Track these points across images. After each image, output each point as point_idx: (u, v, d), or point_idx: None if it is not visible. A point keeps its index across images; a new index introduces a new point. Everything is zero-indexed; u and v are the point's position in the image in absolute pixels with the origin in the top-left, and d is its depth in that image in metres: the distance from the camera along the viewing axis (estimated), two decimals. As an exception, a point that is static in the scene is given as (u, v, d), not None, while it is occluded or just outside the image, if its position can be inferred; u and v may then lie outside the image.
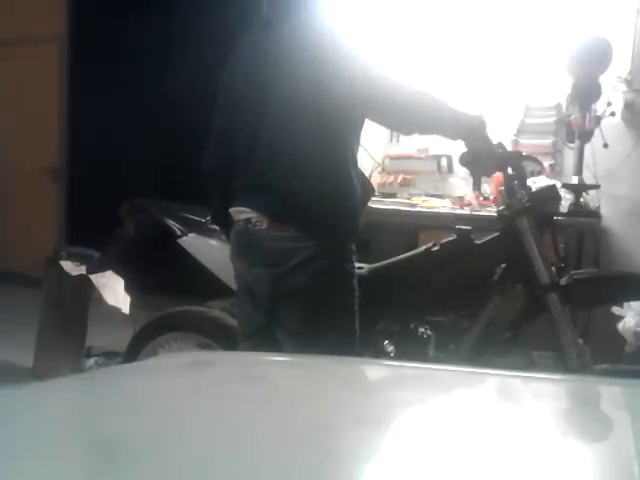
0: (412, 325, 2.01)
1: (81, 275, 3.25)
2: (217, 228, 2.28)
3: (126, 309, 3.12)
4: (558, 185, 2.83)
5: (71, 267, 3.30)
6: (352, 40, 1.66)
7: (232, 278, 1.91)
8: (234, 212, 1.78)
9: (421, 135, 1.88)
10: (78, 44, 5.37)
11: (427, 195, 3.58)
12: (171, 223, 2.38)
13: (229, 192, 1.79)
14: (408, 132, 1.86)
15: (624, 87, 3.30)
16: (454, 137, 1.79)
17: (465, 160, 1.81)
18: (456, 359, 1.90)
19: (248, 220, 1.71)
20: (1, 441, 0.64)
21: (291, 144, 1.65)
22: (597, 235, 3.28)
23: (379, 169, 3.75)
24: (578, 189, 3.13)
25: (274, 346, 1.74)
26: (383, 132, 3.55)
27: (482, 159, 1.80)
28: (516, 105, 3.52)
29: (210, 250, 2.31)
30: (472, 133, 1.75)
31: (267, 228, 1.68)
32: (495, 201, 3.11)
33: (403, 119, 1.72)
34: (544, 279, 1.84)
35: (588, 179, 3.22)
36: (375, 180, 3.69)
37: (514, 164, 1.89)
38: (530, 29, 3.41)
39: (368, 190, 1.88)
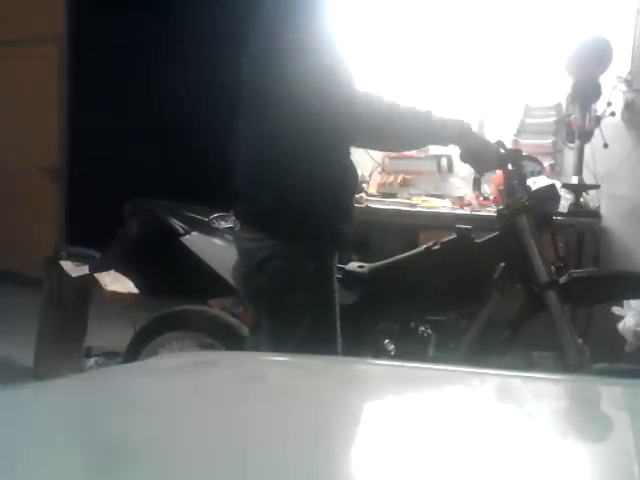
0: (412, 324, 2.01)
1: (81, 275, 3.25)
2: (219, 227, 2.32)
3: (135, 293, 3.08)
4: (558, 185, 2.83)
5: (71, 267, 3.30)
6: (344, 54, 1.61)
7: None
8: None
9: (414, 150, 1.89)
10: (78, 44, 5.37)
11: (427, 195, 3.58)
12: (174, 222, 2.38)
13: None
14: (401, 150, 1.88)
15: (624, 87, 3.30)
16: (446, 144, 1.81)
17: (465, 157, 1.82)
18: (456, 358, 1.90)
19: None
20: (1, 441, 0.64)
21: (258, 151, 1.65)
22: (597, 235, 3.28)
23: (379, 169, 3.75)
24: (578, 189, 3.14)
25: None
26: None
27: (481, 156, 1.81)
28: (516, 105, 3.52)
29: (213, 249, 2.31)
30: (463, 136, 1.77)
31: (239, 230, 1.74)
32: (495, 201, 3.12)
33: (396, 140, 1.76)
34: (543, 278, 1.85)
35: (588, 179, 3.22)
36: (375, 180, 3.69)
37: (514, 161, 1.90)
38: (530, 29, 3.41)
39: (349, 189, 1.80)
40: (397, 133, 1.73)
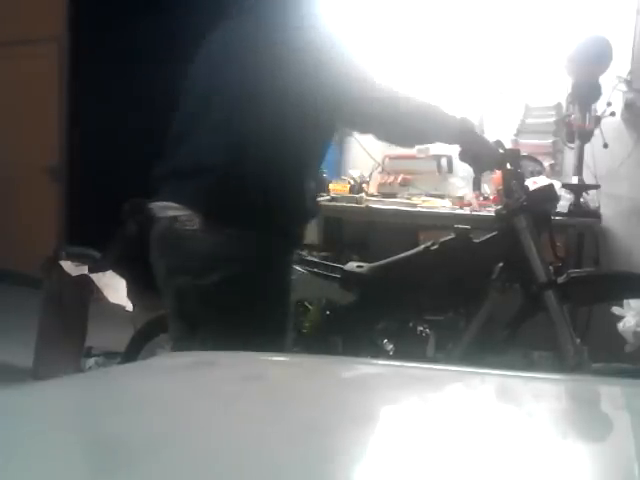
0: (411, 324, 2.01)
1: (81, 275, 3.25)
2: None
3: (129, 307, 3.11)
4: (558, 185, 2.83)
5: (71, 267, 3.30)
6: (343, 44, 1.58)
7: None
8: (156, 208, 1.61)
9: (419, 145, 1.84)
10: (78, 44, 5.37)
11: (427, 195, 3.58)
12: None
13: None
14: (407, 145, 1.85)
15: (624, 87, 3.30)
16: (449, 142, 1.78)
17: (465, 156, 1.82)
18: (454, 358, 1.91)
19: (174, 218, 1.54)
20: (1, 441, 0.64)
21: (237, 135, 1.55)
22: (597, 235, 3.28)
23: (379, 169, 3.75)
24: (578, 189, 3.14)
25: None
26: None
27: (481, 156, 1.80)
28: (516, 105, 3.52)
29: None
30: (465, 135, 1.73)
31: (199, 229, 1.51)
32: (495, 201, 3.12)
33: (402, 133, 1.67)
34: (541, 277, 1.85)
35: (588, 179, 3.22)
36: (375, 180, 3.69)
37: (512, 161, 1.90)
38: (530, 29, 3.41)
39: (314, 208, 1.73)
40: (400, 123, 1.62)
